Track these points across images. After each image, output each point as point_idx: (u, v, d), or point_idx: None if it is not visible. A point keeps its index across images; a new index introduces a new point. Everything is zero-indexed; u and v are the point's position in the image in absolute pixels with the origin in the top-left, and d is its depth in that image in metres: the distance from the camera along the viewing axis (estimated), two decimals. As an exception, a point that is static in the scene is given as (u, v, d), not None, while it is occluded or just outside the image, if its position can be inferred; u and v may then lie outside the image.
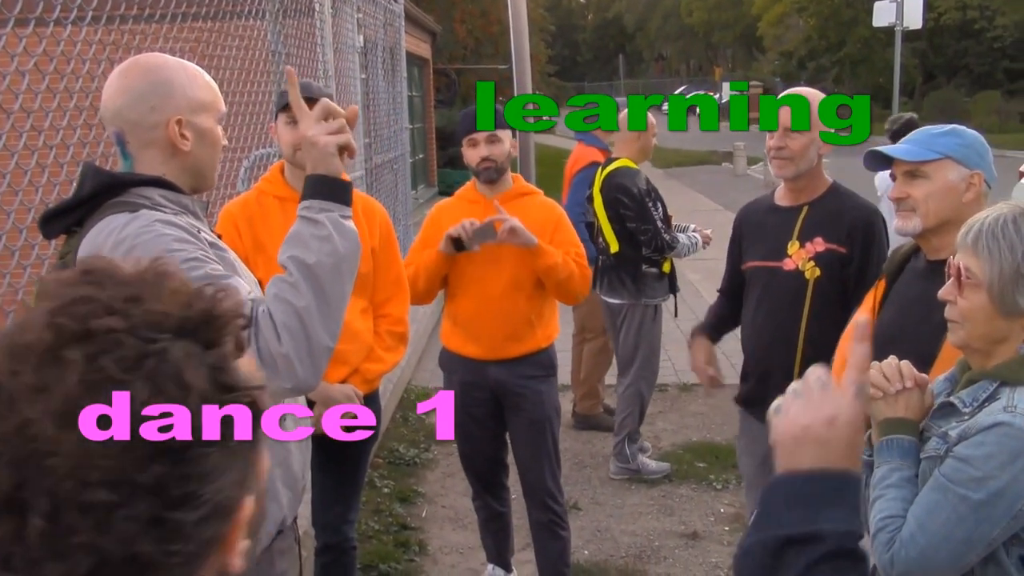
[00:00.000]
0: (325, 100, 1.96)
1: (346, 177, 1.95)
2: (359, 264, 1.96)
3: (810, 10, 44.38)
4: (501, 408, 3.81)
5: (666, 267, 5.39)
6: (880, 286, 2.59)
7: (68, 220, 1.92)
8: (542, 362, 3.79)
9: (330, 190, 1.89)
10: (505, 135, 3.65)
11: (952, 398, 1.90)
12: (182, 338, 0.80)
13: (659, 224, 5.17)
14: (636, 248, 5.24)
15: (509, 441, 3.92)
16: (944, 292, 1.94)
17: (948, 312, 1.94)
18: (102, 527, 0.75)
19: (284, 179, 3.25)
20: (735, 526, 4.83)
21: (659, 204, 5.27)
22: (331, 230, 1.86)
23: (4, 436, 0.75)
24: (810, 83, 38.33)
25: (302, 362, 1.78)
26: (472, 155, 3.66)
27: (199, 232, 1.91)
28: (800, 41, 46.47)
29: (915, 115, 6.19)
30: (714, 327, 3.70)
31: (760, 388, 3.32)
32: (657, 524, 4.97)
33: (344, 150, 1.93)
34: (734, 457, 4.95)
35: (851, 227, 3.20)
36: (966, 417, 1.83)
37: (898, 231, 2.46)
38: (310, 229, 1.87)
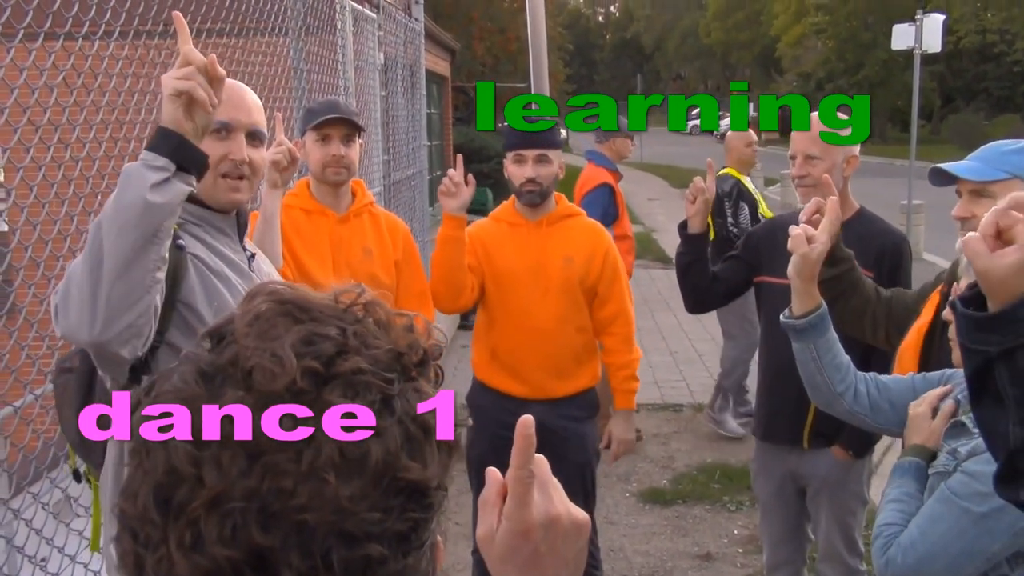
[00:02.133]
0: (188, 48, 1.81)
1: (182, 127, 1.78)
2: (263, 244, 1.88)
3: (829, 32, 44.44)
4: None
5: None
6: (935, 298, 2.56)
7: None
8: (586, 403, 3.60)
9: (154, 140, 1.79)
10: (555, 155, 3.44)
11: (963, 417, 1.93)
12: (407, 377, 0.75)
13: (728, 220, 6.08)
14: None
15: None
16: (948, 314, 1.96)
17: (951, 332, 1.96)
18: None
19: (311, 193, 3.29)
20: (749, 548, 4.81)
21: (743, 205, 6.16)
22: (122, 177, 1.77)
23: (249, 491, 0.68)
24: (828, 105, 38.11)
25: (69, 312, 1.76)
26: (516, 173, 3.44)
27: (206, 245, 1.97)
28: (818, 63, 46.51)
29: None
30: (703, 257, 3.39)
31: (779, 413, 3.31)
32: (671, 545, 4.96)
33: (190, 98, 1.78)
34: (748, 479, 4.93)
35: (879, 252, 3.17)
36: (976, 436, 1.85)
37: (960, 254, 2.44)
38: None
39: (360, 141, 3.34)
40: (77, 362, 2.20)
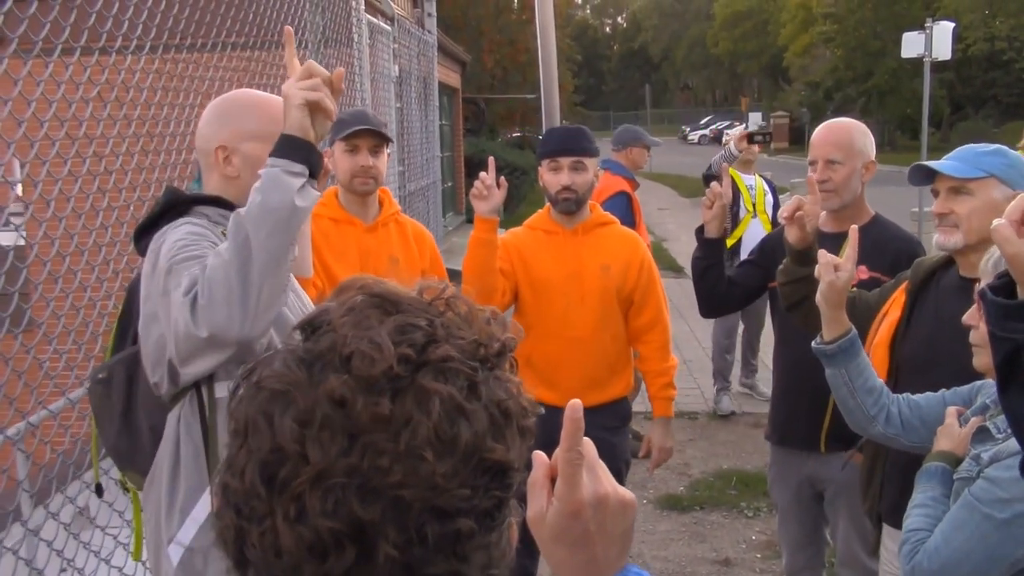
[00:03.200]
0: (310, 62, 1.93)
1: (310, 135, 1.89)
2: (302, 220, 1.91)
3: (837, 40, 44.44)
4: None
5: (728, 242, 5.94)
6: (900, 296, 2.63)
7: (151, 235, 2.04)
8: (620, 412, 3.60)
9: (285, 147, 1.88)
10: (591, 163, 3.44)
11: (987, 423, 1.96)
12: (489, 366, 0.81)
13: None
14: None
15: None
16: (968, 317, 2.01)
17: (972, 337, 2.02)
18: (459, 555, 0.75)
19: (339, 203, 3.34)
20: (767, 553, 4.84)
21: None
22: (264, 183, 1.85)
23: (350, 468, 0.73)
24: (836, 113, 38.27)
25: (219, 311, 1.80)
26: (552, 181, 3.43)
27: None
28: (827, 71, 46.52)
29: None
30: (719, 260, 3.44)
31: (795, 418, 3.34)
32: (689, 550, 4.98)
33: (317, 108, 1.89)
34: (764, 485, 4.96)
35: (896, 257, 3.21)
36: (999, 441, 1.88)
37: (939, 246, 2.50)
38: (253, 185, 1.89)
39: (388, 152, 3.38)
40: (114, 373, 2.24)
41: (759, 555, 4.88)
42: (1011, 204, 1.45)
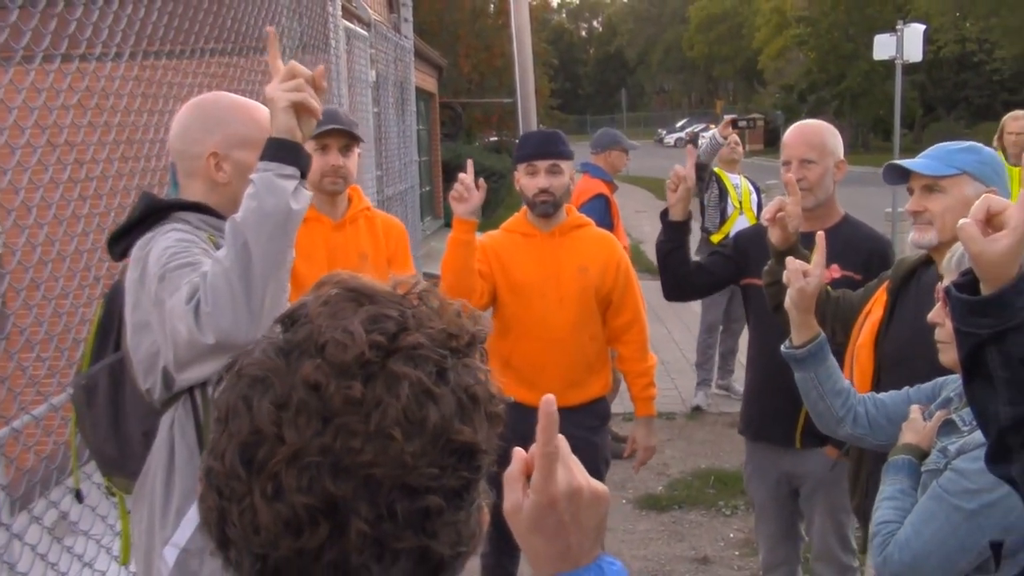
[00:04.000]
0: (293, 62, 1.94)
1: (297, 136, 1.90)
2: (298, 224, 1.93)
3: (810, 44, 44.83)
4: None
5: (714, 239, 6.34)
6: (882, 295, 2.69)
7: (129, 241, 2.05)
8: (599, 412, 3.65)
9: (274, 150, 1.89)
10: (567, 166, 3.49)
11: (953, 416, 2.01)
12: (458, 354, 0.85)
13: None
14: None
15: None
16: (934, 315, 2.07)
17: (938, 334, 2.07)
18: (428, 531, 0.80)
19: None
20: (745, 551, 4.89)
21: (713, 184, 7.04)
22: (258, 187, 1.86)
23: (324, 447, 0.77)
24: (811, 116, 38.53)
25: (224, 316, 1.83)
26: (529, 184, 3.47)
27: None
28: (801, 74, 46.92)
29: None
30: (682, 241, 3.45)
31: (770, 414, 3.40)
32: (668, 549, 5.04)
33: (302, 108, 1.89)
34: (742, 483, 5.00)
35: (868, 256, 3.27)
36: (965, 433, 1.93)
37: (914, 244, 2.56)
38: (246, 190, 1.90)
39: (359, 152, 3.41)
40: (97, 380, 2.25)
41: (737, 552, 4.94)
42: (976, 203, 1.51)
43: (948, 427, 2.02)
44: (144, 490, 2.16)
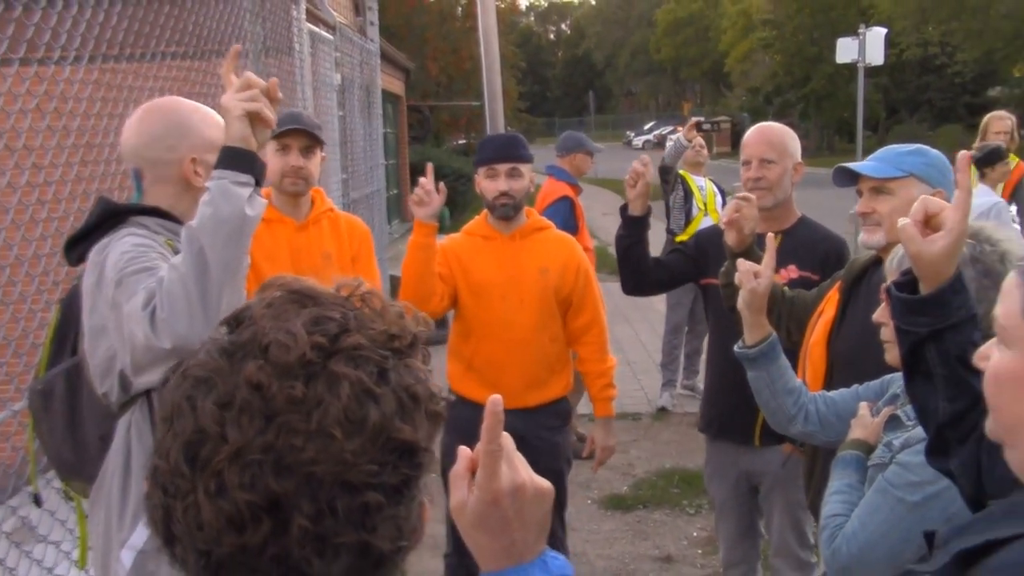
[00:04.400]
0: (247, 73, 1.99)
1: (252, 145, 1.94)
2: (254, 229, 1.95)
3: (776, 47, 45.20)
4: None
5: (679, 240, 6.36)
6: (835, 295, 2.74)
7: (85, 246, 2.06)
8: (560, 411, 3.68)
9: (229, 158, 1.93)
10: (526, 169, 3.53)
11: (898, 411, 2.07)
12: (400, 355, 0.87)
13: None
14: None
15: None
16: (878, 315, 2.12)
17: (883, 333, 2.13)
18: (368, 526, 0.82)
19: (271, 203, 3.39)
20: (707, 549, 4.95)
21: (679, 186, 7.09)
22: (214, 194, 1.89)
23: (266, 445, 0.80)
24: (776, 118, 38.88)
25: (180, 322, 1.85)
26: (489, 187, 3.51)
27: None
28: (766, 77, 47.29)
29: (1002, 143, 6.28)
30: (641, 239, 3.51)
31: (729, 412, 3.44)
32: (632, 548, 5.08)
33: (256, 118, 1.94)
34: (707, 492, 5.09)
35: (825, 256, 3.33)
36: (909, 428, 1.99)
37: (863, 244, 2.62)
38: (202, 198, 1.93)
39: (322, 154, 3.43)
40: (54, 385, 2.26)
41: (700, 551, 5.00)
42: (915, 205, 1.56)
43: (894, 422, 2.08)
44: (101, 493, 2.17)
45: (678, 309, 7.54)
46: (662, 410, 7.42)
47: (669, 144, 7.09)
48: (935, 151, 2.61)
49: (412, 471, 0.87)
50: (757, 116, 42.72)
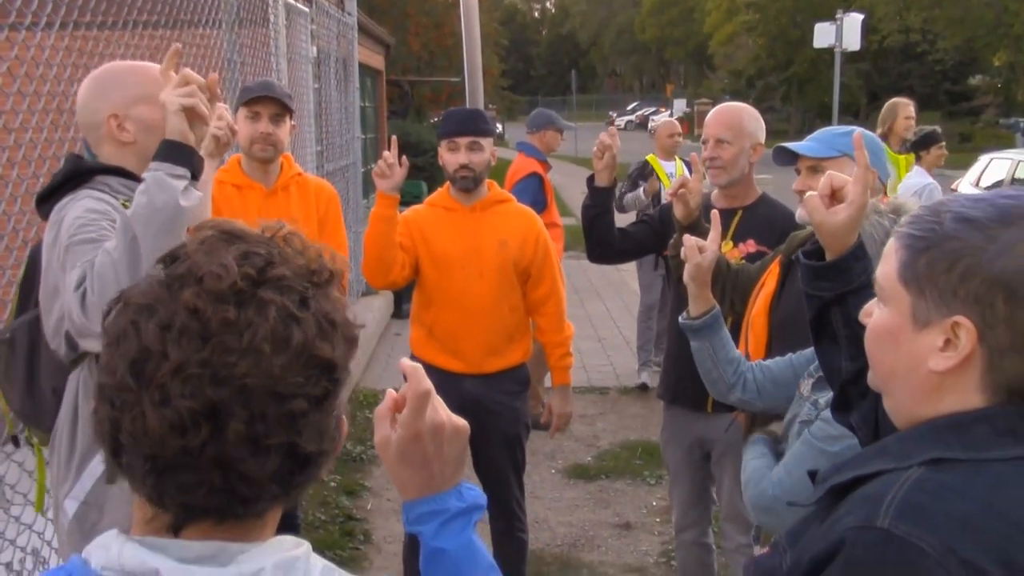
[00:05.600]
0: (186, 70, 2.08)
1: (189, 139, 2.03)
2: (199, 217, 2.02)
3: (759, 30, 45.34)
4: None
5: None
6: (775, 268, 2.87)
7: (54, 202, 2.15)
8: (518, 378, 3.78)
9: (166, 151, 2.02)
10: (487, 143, 3.61)
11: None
12: (319, 286, 0.99)
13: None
14: None
15: (474, 454, 3.74)
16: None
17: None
18: (295, 430, 0.94)
19: (241, 169, 3.48)
20: (666, 517, 5.08)
21: (640, 183, 7.21)
22: (149, 185, 1.98)
23: (203, 361, 0.91)
24: (758, 101, 39.01)
25: None
26: (450, 160, 3.59)
27: None
28: (749, 60, 47.43)
29: (937, 128, 6.46)
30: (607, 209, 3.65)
31: (685, 379, 3.56)
32: (592, 516, 5.22)
33: (193, 114, 2.03)
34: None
35: (782, 232, 3.44)
36: None
37: (799, 219, 2.74)
38: (138, 188, 2.02)
39: (292, 123, 3.52)
40: (16, 336, 2.34)
41: (658, 519, 5.14)
42: (822, 180, 1.68)
43: (820, 383, 2.20)
44: (55, 445, 2.27)
45: (651, 291, 7.64)
46: (643, 387, 7.45)
47: (630, 196, 7.25)
48: (868, 133, 2.75)
49: (331, 385, 0.98)
50: (739, 99, 42.85)
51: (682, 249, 2.56)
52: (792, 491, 2.12)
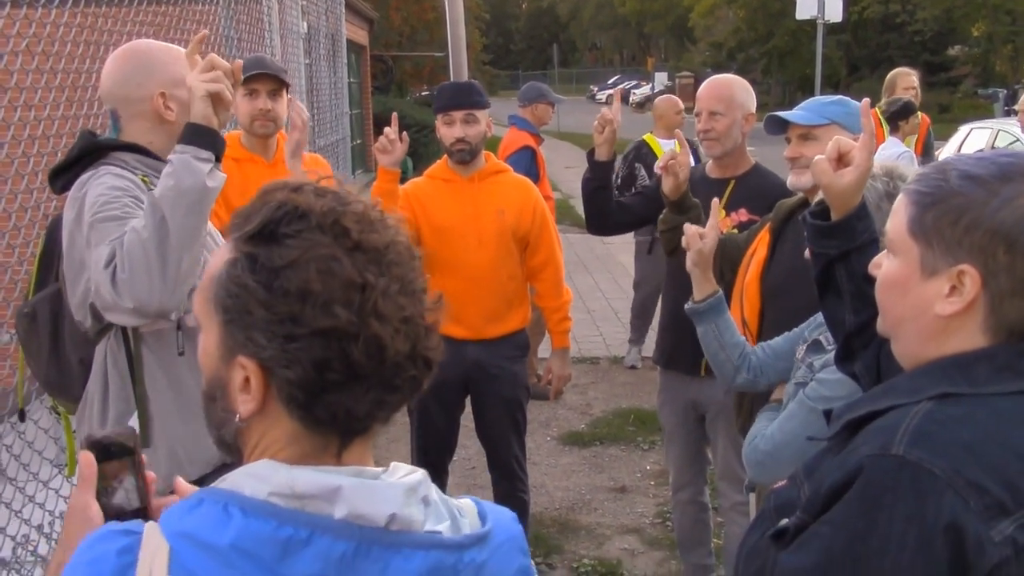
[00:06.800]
0: (212, 55, 2.16)
1: (213, 123, 2.11)
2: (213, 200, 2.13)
3: (739, 2, 45.31)
4: (466, 392, 3.88)
5: None
6: (765, 235, 2.98)
7: (68, 177, 2.22)
8: (518, 343, 3.88)
9: (192, 135, 2.10)
10: (482, 115, 3.70)
11: (820, 336, 2.32)
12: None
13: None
14: None
15: (476, 418, 3.93)
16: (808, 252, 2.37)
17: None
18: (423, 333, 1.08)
19: (242, 144, 3.56)
20: (660, 480, 5.23)
21: (638, 167, 6.91)
22: (176, 167, 2.06)
23: (394, 279, 1.04)
24: (739, 73, 38.96)
25: (140, 285, 2.02)
26: (447, 133, 3.68)
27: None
28: (730, 32, 47.44)
29: (912, 99, 6.56)
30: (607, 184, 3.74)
31: (679, 344, 3.68)
32: (588, 480, 5.35)
33: (218, 99, 2.10)
34: (659, 420, 5.35)
35: (774, 202, 3.55)
36: (829, 351, 2.24)
37: (791, 186, 2.87)
38: (164, 169, 2.11)
39: (288, 96, 3.60)
40: (38, 309, 2.42)
41: (653, 482, 5.28)
42: (829, 145, 1.79)
43: (815, 346, 2.33)
44: (85, 413, 2.35)
45: (646, 284, 7.45)
46: (632, 368, 7.44)
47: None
48: (855, 101, 2.85)
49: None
50: (720, 72, 42.87)
51: (683, 239, 2.66)
52: (782, 446, 2.25)
